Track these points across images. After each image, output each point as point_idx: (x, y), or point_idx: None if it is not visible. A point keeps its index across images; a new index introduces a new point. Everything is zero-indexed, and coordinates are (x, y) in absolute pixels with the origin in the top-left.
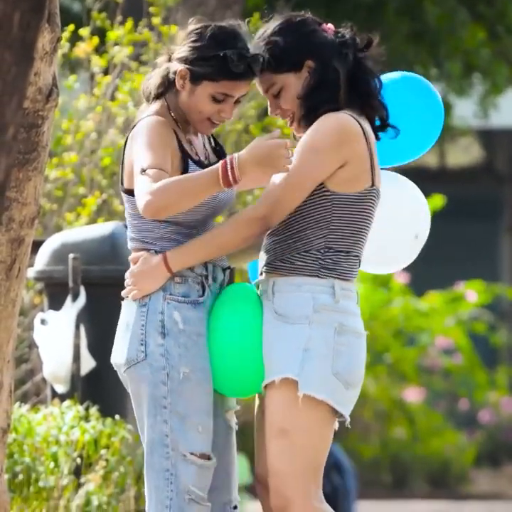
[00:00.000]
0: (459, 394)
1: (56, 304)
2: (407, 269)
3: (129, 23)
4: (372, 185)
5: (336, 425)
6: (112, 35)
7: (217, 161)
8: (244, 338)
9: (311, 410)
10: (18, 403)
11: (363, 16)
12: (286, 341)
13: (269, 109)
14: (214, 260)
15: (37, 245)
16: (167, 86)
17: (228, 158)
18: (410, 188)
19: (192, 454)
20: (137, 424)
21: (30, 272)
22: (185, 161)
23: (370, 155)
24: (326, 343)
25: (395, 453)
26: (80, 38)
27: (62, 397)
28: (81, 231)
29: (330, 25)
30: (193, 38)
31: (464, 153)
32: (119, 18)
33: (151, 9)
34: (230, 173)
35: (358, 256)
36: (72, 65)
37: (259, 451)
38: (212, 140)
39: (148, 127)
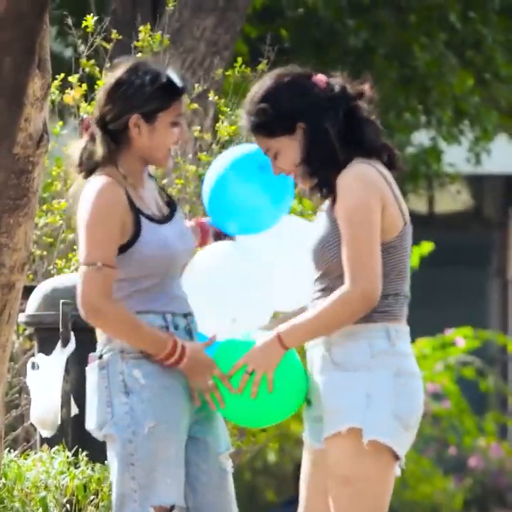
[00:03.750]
0: (447, 440)
1: (46, 349)
2: None
3: None
4: (405, 223)
5: (398, 471)
6: (100, 82)
7: (171, 214)
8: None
9: (375, 456)
10: (7, 449)
11: (351, 62)
12: (348, 390)
13: (272, 169)
14: (172, 310)
15: (28, 291)
16: (112, 148)
17: (181, 344)
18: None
19: (160, 508)
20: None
21: (21, 317)
22: (138, 218)
23: (394, 195)
24: (387, 387)
25: None
26: (71, 85)
27: (51, 443)
28: (72, 277)
29: (321, 77)
30: (123, 88)
31: (453, 200)
32: (107, 64)
33: (139, 56)
34: (177, 356)
35: (405, 295)
36: (62, 111)
37: (309, 501)
38: (163, 194)
39: (97, 194)
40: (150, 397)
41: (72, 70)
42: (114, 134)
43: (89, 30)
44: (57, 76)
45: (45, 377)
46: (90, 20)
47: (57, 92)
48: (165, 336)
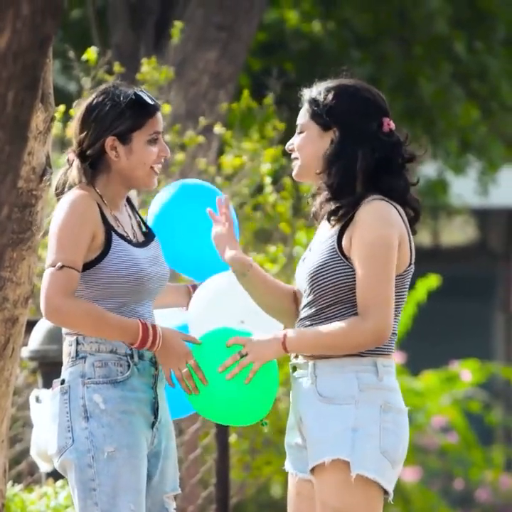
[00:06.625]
0: (454, 473)
1: (50, 383)
2: (403, 348)
3: None
4: (410, 264)
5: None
6: None
7: (146, 241)
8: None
9: (363, 490)
10: (11, 482)
11: None
12: (334, 422)
13: (288, 143)
14: None
15: (31, 325)
16: (89, 174)
17: (151, 324)
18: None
19: None
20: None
21: (24, 352)
22: (109, 233)
23: (408, 234)
24: (373, 422)
25: None
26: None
27: (56, 477)
28: None
29: (390, 122)
30: (95, 113)
31: (458, 232)
32: None
33: (143, 88)
34: (151, 338)
35: (395, 332)
36: (65, 144)
37: None
38: (142, 224)
39: (70, 204)
40: (110, 422)
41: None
42: (93, 160)
43: (91, 63)
44: (57, 108)
45: (47, 411)
46: (91, 53)
47: (60, 125)
48: (133, 322)
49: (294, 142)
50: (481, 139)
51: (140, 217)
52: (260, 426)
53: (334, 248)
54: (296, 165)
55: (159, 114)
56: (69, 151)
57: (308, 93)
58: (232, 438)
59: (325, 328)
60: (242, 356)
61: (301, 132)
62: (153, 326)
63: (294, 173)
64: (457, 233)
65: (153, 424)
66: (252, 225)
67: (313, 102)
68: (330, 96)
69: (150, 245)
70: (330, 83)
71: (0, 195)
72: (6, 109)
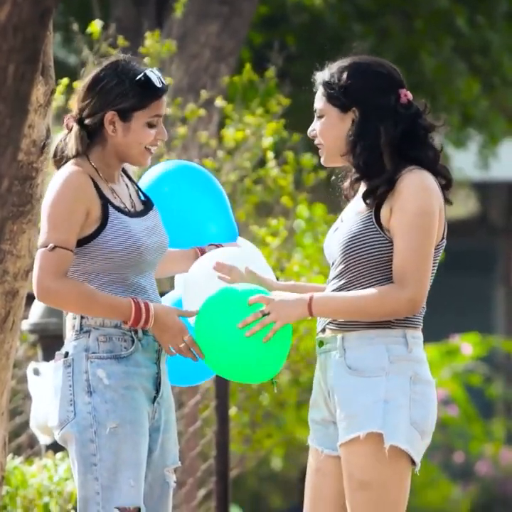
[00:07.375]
0: (454, 446)
1: (50, 356)
2: None
3: None
4: (443, 238)
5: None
6: None
7: (144, 210)
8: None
9: (393, 461)
10: (11, 455)
11: None
12: (365, 395)
13: (310, 129)
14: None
15: (31, 298)
16: (86, 143)
17: (143, 302)
18: None
19: (124, 509)
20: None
21: (25, 325)
22: (106, 207)
23: (444, 208)
24: (403, 393)
25: None
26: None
27: (56, 449)
28: None
29: (408, 93)
30: (101, 84)
31: (458, 206)
32: None
33: (145, 61)
34: (144, 317)
35: (424, 305)
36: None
37: (313, 508)
38: (140, 193)
39: (62, 181)
40: (113, 397)
41: (76, 75)
42: (90, 130)
43: (94, 36)
44: (60, 81)
45: (47, 384)
46: (95, 26)
47: (62, 97)
48: (125, 301)
49: (315, 128)
50: (482, 113)
51: (137, 186)
52: (271, 384)
53: (371, 218)
54: (322, 152)
55: (164, 98)
56: (68, 116)
57: (321, 76)
58: (232, 411)
59: (356, 292)
60: (264, 315)
61: (320, 116)
62: (146, 304)
63: (322, 160)
64: (458, 207)
65: (154, 399)
66: (253, 198)
67: (328, 85)
68: (344, 76)
69: (148, 215)
70: (341, 63)
71: (0, 168)
72: (7, 82)
